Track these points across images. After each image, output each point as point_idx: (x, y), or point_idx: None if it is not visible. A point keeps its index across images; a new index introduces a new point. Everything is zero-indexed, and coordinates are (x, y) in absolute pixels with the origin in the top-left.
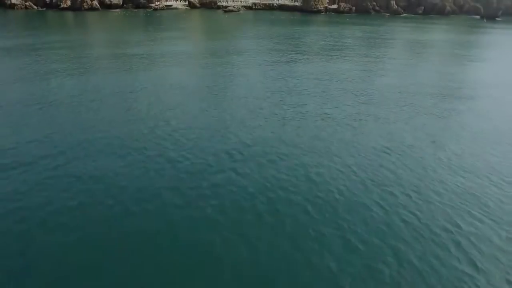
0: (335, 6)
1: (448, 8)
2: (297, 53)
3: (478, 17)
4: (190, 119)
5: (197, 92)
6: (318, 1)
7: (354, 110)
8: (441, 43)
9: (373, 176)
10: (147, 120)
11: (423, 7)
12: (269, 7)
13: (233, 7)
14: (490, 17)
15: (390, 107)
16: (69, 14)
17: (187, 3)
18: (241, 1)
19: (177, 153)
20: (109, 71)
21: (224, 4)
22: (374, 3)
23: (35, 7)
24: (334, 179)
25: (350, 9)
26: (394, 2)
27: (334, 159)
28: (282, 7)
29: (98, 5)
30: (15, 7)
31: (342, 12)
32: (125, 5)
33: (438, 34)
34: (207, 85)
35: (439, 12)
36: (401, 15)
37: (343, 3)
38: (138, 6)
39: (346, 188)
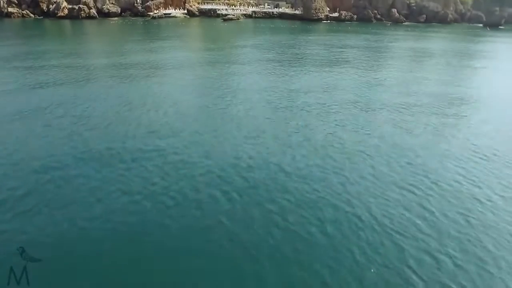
0: (336, 15)
1: (450, 16)
2: (299, 64)
3: (481, 25)
4: (188, 133)
5: (194, 104)
6: (319, 10)
7: (359, 125)
8: (449, 52)
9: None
10: (142, 132)
11: (425, 16)
12: (269, 16)
13: (233, 15)
14: (493, 25)
15: (397, 119)
16: (67, 23)
17: (186, 11)
18: (240, 10)
19: (172, 175)
20: (104, 81)
21: (224, 12)
22: (376, 11)
23: (32, 15)
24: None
25: (352, 17)
26: (396, 11)
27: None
28: (282, 16)
29: (95, 13)
30: (12, 16)
31: (343, 20)
32: (123, 13)
33: (443, 43)
34: (205, 98)
35: (441, 21)
36: (403, 24)
37: (344, 12)
38: (136, 14)
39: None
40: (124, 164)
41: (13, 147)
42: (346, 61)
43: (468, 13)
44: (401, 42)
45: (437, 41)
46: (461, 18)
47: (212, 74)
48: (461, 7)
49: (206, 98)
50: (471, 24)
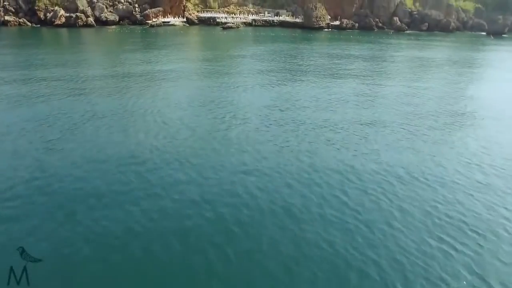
0: (337, 23)
1: (452, 24)
2: (301, 76)
3: (484, 33)
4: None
5: (187, 125)
6: (320, 18)
7: (365, 139)
8: (457, 62)
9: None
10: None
11: (427, 24)
12: (270, 24)
13: (232, 23)
14: (496, 33)
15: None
16: (63, 31)
17: (185, 19)
18: (240, 18)
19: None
20: (99, 92)
21: (223, 20)
22: (377, 19)
23: (29, 23)
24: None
25: (353, 25)
26: (397, 19)
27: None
28: (282, 24)
29: (93, 21)
30: (8, 24)
31: (345, 28)
32: (121, 21)
33: (449, 52)
34: (201, 115)
35: (443, 29)
36: (405, 32)
37: (346, 20)
38: (135, 22)
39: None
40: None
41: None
42: (350, 72)
43: (470, 21)
44: (406, 51)
45: (443, 50)
46: (463, 26)
47: (209, 86)
48: (463, 15)
49: (202, 115)
50: (473, 33)
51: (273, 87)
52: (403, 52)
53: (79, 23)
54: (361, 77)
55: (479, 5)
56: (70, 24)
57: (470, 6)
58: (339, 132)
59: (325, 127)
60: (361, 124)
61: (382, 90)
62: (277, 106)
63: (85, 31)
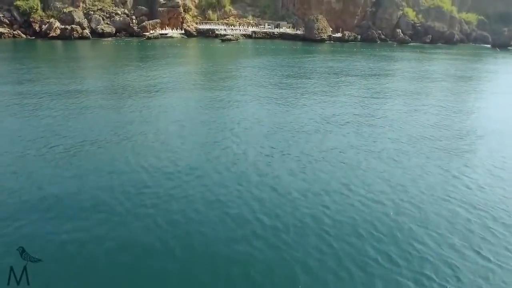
0: (339, 35)
1: (456, 36)
2: (304, 93)
3: (489, 46)
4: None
5: (181, 154)
6: (322, 30)
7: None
8: (469, 76)
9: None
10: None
11: (430, 36)
12: (270, 36)
13: (232, 35)
14: (502, 46)
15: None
16: (57, 43)
17: (183, 31)
18: (240, 30)
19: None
20: (89, 107)
21: (223, 32)
22: (380, 31)
23: (24, 35)
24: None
25: (355, 37)
26: (400, 31)
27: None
28: (283, 36)
29: (89, 33)
30: (2, 36)
31: (347, 40)
32: (118, 33)
33: (458, 65)
34: (199, 129)
35: (447, 41)
36: (409, 44)
37: (348, 32)
38: (132, 34)
39: None
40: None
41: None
42: (356, 88)
43: (473, 33)
44: (413, 64)
45: (452, 64)
46: (467, 38)
47: (204, 102)
48: (466, 27)
49: (197, 142)
50: (477, 45)
51: (273, 104)
52: (410, 65)
53: (74, 35)
54: (368, 93)
55: (482, 17)
56: (65, 36)
57: (472, 18)
58: (345, 154)
59: (330, 150)
60: (369, 147)
61: (391, 108)
62: (278, 128)
63: (80, 43)
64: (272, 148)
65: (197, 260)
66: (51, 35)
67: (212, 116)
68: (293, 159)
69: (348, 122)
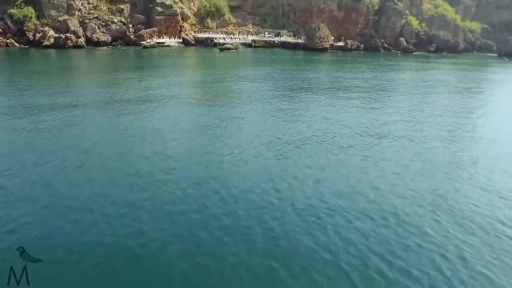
0: (341, 44)
1: (461, 45)
2: (309, 109)
3: (495, 55)
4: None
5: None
6: (324, 39)
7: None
8: (483, 88)
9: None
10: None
11: (435, 45)
12: (270, 45)
13: (231, 44)
14: (508, 54)
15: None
16: (51, 52)
17: (181, 40)
18: (239, 38)
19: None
20: (78, 122)
21: (221, 41)
22: (383, 40)
23: (17, 44)
24: None
25: (358, 46)
26: (404, 40)
27: None
28: (284, 45)
29: (83, 42)
30: None
31: (350, 49)
32: (114, 42)
33: (469, 76)
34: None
35: (452, 50)
36: (413, 53)
37: (350, 40)
38: (128, 43)
39: None
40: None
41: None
42: (363, 101)
43: (478, 42)
44: (421, 74)
45: (460, 73)
46: (471, 47)
47: (198, 115)
48: (470, 35)
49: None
50: (482, 53)
51: (274, 124)
52: (419, 76)
53: (69, 44)
54: (376, 106)
55: (486, 26)
56: (59, 45)
57: (476, 26)
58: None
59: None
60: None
61: (402, 124)
62: (282, 141)
63: (73, 53)
64: (277, 181)
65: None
66: (44, 44)
67: (206, 137)
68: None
69: (363, 144)
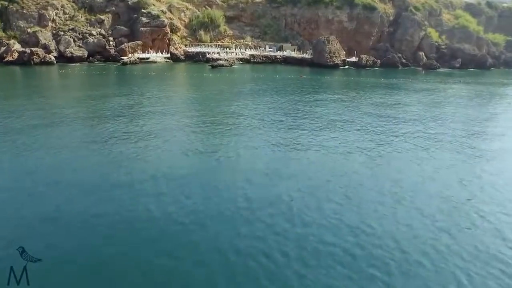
0: (354, 59)
1: (490, 60)
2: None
3: None
4: None
5: None
6: (334, 54)
7: None
8: None
9: None
10: None
11: (460, 60)
12: (271, 60)
13: (225, 60)
14: None
15: None
16: (11, 71)
17: (169, 55)
18: (236, 53)
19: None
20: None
21: (215, 56)
22: (400, 55)
23: None
24: None
25: (374, 62)
26: (423, 54)
27: None
28: (287, 60)
29: (53, 58)
30: None
31: (364, 66)
32: (91, 57)
33: None
34: None
35: (478, 65)
36: (438, 70)
37: (365, 56)
38: (108, 58)
39: None
40: None
41: None
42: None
43: (503, 56)
44: (476, 107)
45: None
46: (497, 62)
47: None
48: (493, 49)
49: None
50: (510, 69)
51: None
52: (487, 111)
53: (35, 59)
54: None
55: (511, 38)
56: (23, 60)
57: (500, 39)
58: None
59: None
60: None
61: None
62: None
63: (41, 70)
64: None
65: None
66: (6, 59)
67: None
68: None
69: None
